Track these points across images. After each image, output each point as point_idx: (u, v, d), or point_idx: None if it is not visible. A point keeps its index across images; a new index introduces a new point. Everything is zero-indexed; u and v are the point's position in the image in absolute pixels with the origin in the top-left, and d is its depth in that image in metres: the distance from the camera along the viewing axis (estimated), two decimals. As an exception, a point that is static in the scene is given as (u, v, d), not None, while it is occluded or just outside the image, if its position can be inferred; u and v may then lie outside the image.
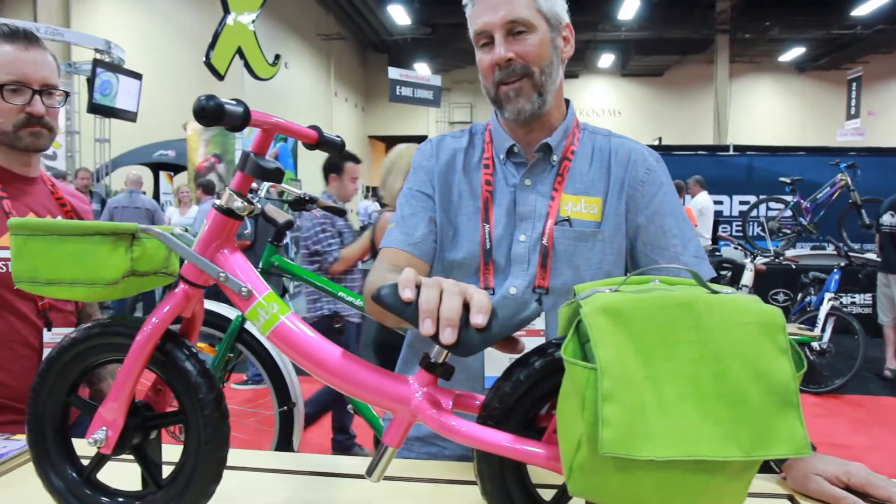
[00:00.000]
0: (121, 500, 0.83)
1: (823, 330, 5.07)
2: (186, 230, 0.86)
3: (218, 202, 0.80)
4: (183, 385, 0.79)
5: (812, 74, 23.11)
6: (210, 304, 2.55)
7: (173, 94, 12.49)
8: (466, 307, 0.68)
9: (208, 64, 8.32)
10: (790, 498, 0.95)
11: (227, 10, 8.45)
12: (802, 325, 5.05)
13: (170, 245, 0.80)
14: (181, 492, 0.79)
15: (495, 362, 1.09)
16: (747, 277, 5.63)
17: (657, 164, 1.18)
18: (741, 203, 8.98)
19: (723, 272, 6.19)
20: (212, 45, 8.33)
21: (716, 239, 7.85)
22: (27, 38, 1.33)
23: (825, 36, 19.46)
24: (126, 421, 0.80)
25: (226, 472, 0.80)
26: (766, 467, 1.03)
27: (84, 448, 0.83)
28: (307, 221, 3.28)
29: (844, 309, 6.22)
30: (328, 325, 3.26)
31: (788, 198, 7.58)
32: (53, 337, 1.37)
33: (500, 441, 0.70)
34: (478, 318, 0.66)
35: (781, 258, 6.01)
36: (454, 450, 1.17)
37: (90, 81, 8.94)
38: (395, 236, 1.17)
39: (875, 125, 19.60)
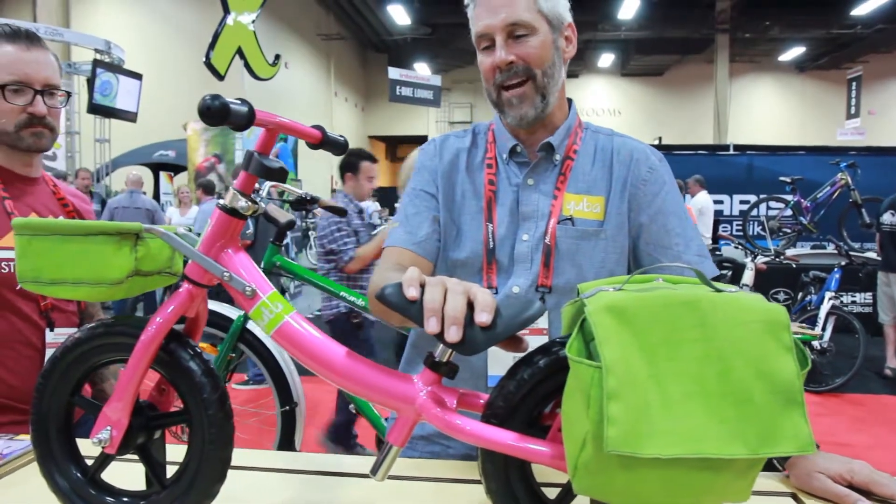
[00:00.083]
0: (125, 499, 0.83)
1: (824, 329, 5.07)
2: (189, 230, 0.86)
3: (222, 202, 0.80)
4: (187, 385, 0.79)
5: (812, 74, 23.09)
6: (212, 304, 2.55)
7: (173, 94, 12.49)
8: (471, 306, 0.68)
9: (208, 64, 8.33)
10: (794, 496, 0.95)
11: (227, 10, 8.46)
12: (803, 325, 5.06)
13: (174, 245, 0.80)
14: (185, 491, 0.79)
15: (499, 361, 1.09)
16: (748, 277, 5.63)
17: (660, 164, 1.18)
18: (741, 202, 8.99)
19: (723, 271, 6.19)
20: (212, 45, 8.34)
21: (716, 238, 7.86)
22: (29, 39, 1.32)
23: (825, 35, 19.45)
24: (130, 421, 0.80)
25: (230, 472, 0.80)
26: (769, 465, 1.03)
27: (88, 448, 0.83)
28: (323, 220, 3.26)
29: (845, 308, 6.22)
30: (346, 322, 3.18)
31: (789, 197, 7.58)
32: (56, 337, 1.36)
33: (505, 439, 0.70)
34: (482, 317, 0.66)
35: (782, 257, 6.02)
36: (458, 449, 1.17)
37: (90, 82, 8.92)
38: (399, 235, 1.17)
39: (875, 125, 19.59)
